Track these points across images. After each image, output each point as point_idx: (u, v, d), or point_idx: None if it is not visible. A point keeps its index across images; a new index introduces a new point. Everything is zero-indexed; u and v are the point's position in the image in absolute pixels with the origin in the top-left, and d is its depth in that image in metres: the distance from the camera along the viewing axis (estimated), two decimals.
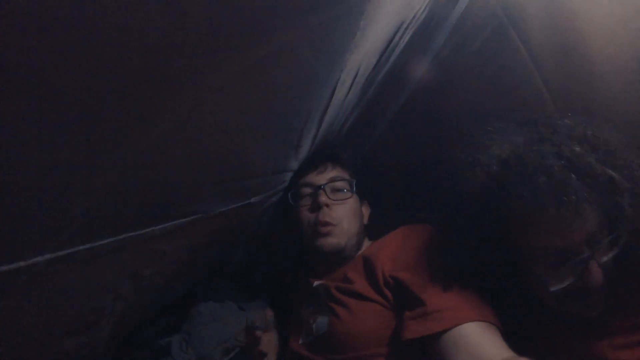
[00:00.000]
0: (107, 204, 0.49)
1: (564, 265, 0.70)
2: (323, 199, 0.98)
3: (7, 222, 0.35)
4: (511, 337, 0.77)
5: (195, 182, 0.61)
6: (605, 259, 0.69)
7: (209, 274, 1.24)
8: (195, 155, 0.56)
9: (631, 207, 0.68)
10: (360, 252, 1.02)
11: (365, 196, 1.09)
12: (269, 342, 1.04)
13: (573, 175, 0.66)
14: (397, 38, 0.84)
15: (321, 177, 1.02)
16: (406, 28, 0.85)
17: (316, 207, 0.99)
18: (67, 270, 0.46)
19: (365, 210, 1.10)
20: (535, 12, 0.88)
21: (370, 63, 0.84)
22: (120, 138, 0.42)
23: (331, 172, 1.03)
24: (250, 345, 1.02)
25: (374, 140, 1.24)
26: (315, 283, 1.01)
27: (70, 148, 0.37)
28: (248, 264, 1.28)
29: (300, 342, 0.98)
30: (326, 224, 0.97)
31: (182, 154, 0.53)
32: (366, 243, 1.06)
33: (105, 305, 0.66)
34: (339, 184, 1.02)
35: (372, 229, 1.08)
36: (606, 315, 0.76)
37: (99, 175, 0.44)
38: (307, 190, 1.02)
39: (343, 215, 1.00)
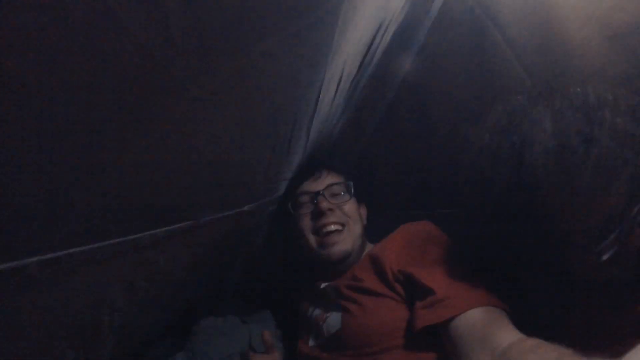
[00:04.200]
0: (103, 207, 0.50)
1: (610, 231, 0.67)
2: (324, 204, 0.99)
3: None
4: (543, 321, 0.76)
5: (185, 188, 0.62)
6: None
7: (209, 291, 1.24)
8: (185, 161, 0.57)
9: None
10: (365, 253, 1.03)
11: (362, 198, 1.10)
12: None
13: (607, 142, 0.62)
14: (377, 39, 0.87)
15: (318, 184, 1.03)
16: (385, 29, 0.88)
17: (318, 213, 0.99)
18: (61, 275, 0.47)
19: (363, 212, 1.11)
20: (511, 2, 0.90)
21: (354, 66, 0.86)
22: (117, 142, 0.44)
23: (327, 179, 1.05)
24: None
25: (366, 141, 1.26)
26: (323, 285, 1.02)
27: (68, 150, 0.38)
28: (249, 278, 1.28)
29: (310, 344, 0.98)
30: (330, 233, 0.98)
31: (173, 158, 0.55)
32: (368, 245, 1.07)
33: (102, 317, 0.67)
34: (336, 188, 1.04)
35: (371, 230, 1.09)
36: None
37: (96, 178, 0.45)
38: (306, 198, 1.03)
39: (345, 217, 1.01)
